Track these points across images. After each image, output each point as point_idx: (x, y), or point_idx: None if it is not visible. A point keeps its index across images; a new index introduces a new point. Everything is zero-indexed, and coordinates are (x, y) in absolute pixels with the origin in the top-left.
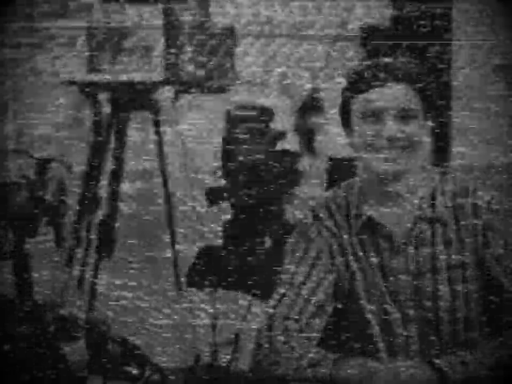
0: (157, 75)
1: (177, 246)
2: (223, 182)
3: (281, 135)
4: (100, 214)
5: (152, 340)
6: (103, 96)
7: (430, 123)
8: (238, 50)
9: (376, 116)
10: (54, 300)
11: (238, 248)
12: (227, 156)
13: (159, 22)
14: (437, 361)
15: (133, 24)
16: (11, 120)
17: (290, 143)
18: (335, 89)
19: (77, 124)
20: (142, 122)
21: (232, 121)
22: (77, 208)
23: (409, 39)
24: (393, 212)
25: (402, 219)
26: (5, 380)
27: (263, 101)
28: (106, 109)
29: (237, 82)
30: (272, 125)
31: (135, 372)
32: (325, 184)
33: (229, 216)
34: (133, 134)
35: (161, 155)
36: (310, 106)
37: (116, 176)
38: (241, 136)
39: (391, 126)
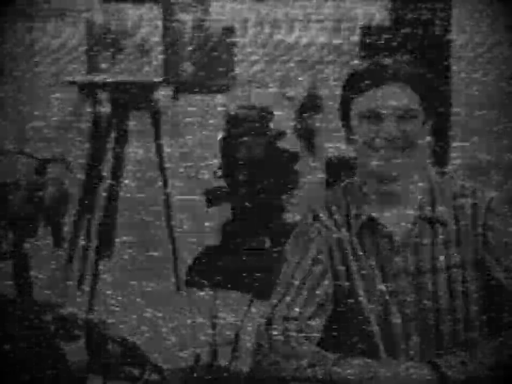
0: (157, 75)
1: (177, 246)
2: (222, 182)
3: (281, 135)
4: (100, 214)
5: (152, 339)
6: (103, 96)
7: (429, 123)
8: (238, 50)
9: (375, 116)
10: (54, 300)
11: (237, 248)
12: (227, 156)
13: (158, 22)
14: (437, 361)
15: (132, 24)
16: (11, 120)
17: (290, 143)
18: (334, 89)
19: (77, 123)
20: (141, 122)
21: (232, 121)
22: (77, 208)
23: (409, 39)
24: (393, 212)
25: (402, 219)
26: (5, 380)
27: (263, 101)
28: (106, 109)
29: (237, 82)
30: (272, 125)
31: (135, 371)
32: (324, 184)
33: (228, 216)
34: (133, 134)
35: (160, 155)
36: (309, 106)
37: (116, 176)
38: (241, 136)
39: (390, 126)
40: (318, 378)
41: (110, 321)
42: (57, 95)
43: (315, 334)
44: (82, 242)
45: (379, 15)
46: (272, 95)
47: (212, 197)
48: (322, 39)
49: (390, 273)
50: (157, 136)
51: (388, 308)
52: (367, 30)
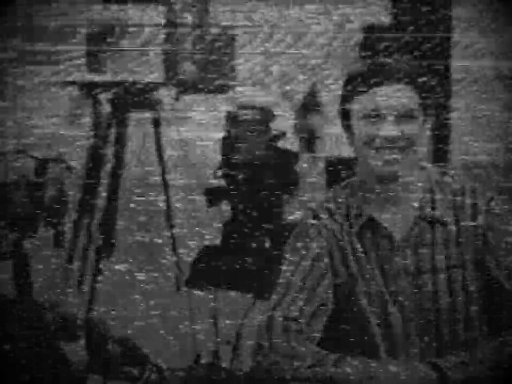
0: (157, 75)
1: (177, 246)
2: (222, 182)
3: (281, 135)
4: (100, 214)
5: (152, 339)
6: (103, 96)
7: (429, 123)
8: (238, 50)
9: (375, 116)
10: (54, 300)
11: (237, 248)
12: (227, 156)
13: (159, 22)
14: (437, 361)
15: (133, 24)
16: (11, 120)
17: (290, 143)
18: (334, 90)
19: (77, 123)
20: (141, 122)
21: (232, 121)
22: (77, 208)
23: (409, 39)
24: (393, 212)
25: (402, 219)
26: (5, 380)
27: (263, 101)
28: (106, 109)
29: (237, 82)
30: (272, 125)
31: (135, 371)
32: (324, 184)
33: (228, 216)
34: (133, 134)
35: (161, 155)
36: (309, 106)
37: (116, 176)
38: (241, 136)
39: (390, 126)
40: (318, 378)
41: (109, 321)
42: (57, 95)
43: (315, 334)
44: (82, 242)
45: (379, 15)
46: (273, 95)
47: (212, 197)
48: (322, 39)
49: (390, 273)
50: (157, 136)
51: (388, 308)
52: (367, 30)
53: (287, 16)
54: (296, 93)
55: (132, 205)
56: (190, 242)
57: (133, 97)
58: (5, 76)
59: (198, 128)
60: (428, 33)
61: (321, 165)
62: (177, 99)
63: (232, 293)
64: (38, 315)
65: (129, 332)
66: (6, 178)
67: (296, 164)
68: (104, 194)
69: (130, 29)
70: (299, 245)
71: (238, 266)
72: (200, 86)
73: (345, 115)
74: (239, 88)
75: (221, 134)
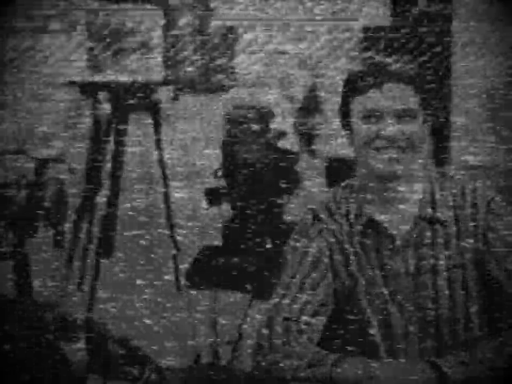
0: (157, 75)
1: (177, 246)
2: (222, 182)
3: (281, 135)
4: (100, 214)
5: (152, 339)
6: (103, 96)
7: (429, 123)
8: (238, 50)
9: (375, 116)
10: (54, 300)
11: (237, 248)
12: (227, 156)
13: (159, 21)
14: (437, 361)
15: (133, 24)
16: (11, 120)
17: (290, 143)
18: (335, 90)
19: (77, 124)
20: (141, 122)
21: (232, 121)
22: (77, 208)
23: (409, 39)
24: (393, 212)
25: (403, 219)
26: (5, 380)
27: (263, 101)
28: (106, 109)
29: (237, 82)
30: (272, 125)
31: (135, 371)
32: (324, 184)
33: (228, 216)
34: (133, 134)
35: (161, 155)
36: (310, 106)
37: (116, 176)
38: (241, 136)
39: (390, 126)
40: (318, 378)
41: (109, 321)
42: (57, 95)
43: (315, 334)
44: (82, 242)
45: (380, 15)
46: (273, 95)
47: (212, 197)
48: (323, 39)
49: (390, 273)
50: (157, 136)
51: (388, 308)
52: (367, 30)
53: (288, 16)
54: (296, 93)
55: (132, 205)
56: (190, 243)
57: (133, 97)
58: (4, 75)
59: (198, 128)
60: (428, 32)
61: (321, 165)
62: (177, 99)
63: (232, 293)
64: (38, 315)
65: (129, 332)
66: (6, 178)
67: (296, 163)
68: (104, 194)
69: (130, 29)
70: (299, 245)
71: (238, 266)
72: (200, 86)
73: (345, 115)
74: (239, 88)
75: (221, 134)
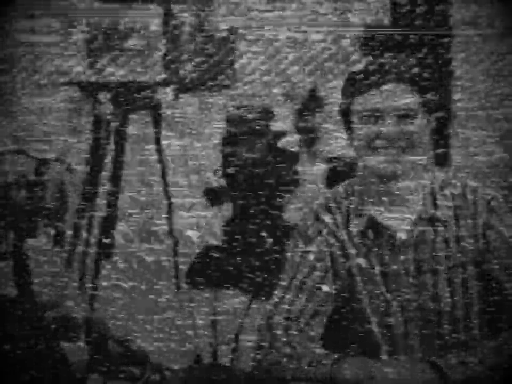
0: (157, 75)
1: (177, 246)
2: (223, 182)
3: (281, 135)
4: (100, 214)
5: (152, 339)
6: (103, 96)
7: (429, 123)
8: (238, 50)
9: (376, 116)
10: (54, 300)
11: (238, 248)
12: (227, 156)
13: (159, 22)
14: (437, 361)
15: (133, 24)
16: (10, 120)
17: (290, 143)
18: (335, 90)
19: (77, 124)
20: (141, 122)
21: (232, 121)
22: (77, 208)
23: (408, 39)
24: (393, 212)
25: (403, 219)
26: (5, 380)
27: (263, 101)
28: (106, 109)
29: (237, 82)
30: (272, 125)
31: (135, 371)
32: (325, 184)
33: (228, 216)
34: (133, 134)
35: (161, 155)
36: (310, 106)
37: (116, 176)
38: (241, 136)
39: (391, 126)
40: (318, 378)
41: (109, 321)
42: (58, 95)
43: (315, 334)
44: (82, 242)
45: (380, 14)
46: (273, 95)
47: (213, 197)
48: (323, 39)
49: (390, 273)
50: (157, 136)
51: (388, 308)
52: (367, 30)
53: (288, 16)
54: (296, 92)
55: (132, 205)
56: (190, 242)
57: (133, 97)
58: (4, 75)
59: (198, 128)
60: (428, 32)
61: (322, 165)
62: (177, 99)
63: (232, 293)
64: (38, 315)
65: (129, 332)
66: (6, 178)
67: (296, 163)
68: (104, 194)
69: (131, 29)
70: (299, 245)
71: (238, 266)
72: (200, 86)
73: (345, 115)
74: (239, 88)
75: (221, 134)
